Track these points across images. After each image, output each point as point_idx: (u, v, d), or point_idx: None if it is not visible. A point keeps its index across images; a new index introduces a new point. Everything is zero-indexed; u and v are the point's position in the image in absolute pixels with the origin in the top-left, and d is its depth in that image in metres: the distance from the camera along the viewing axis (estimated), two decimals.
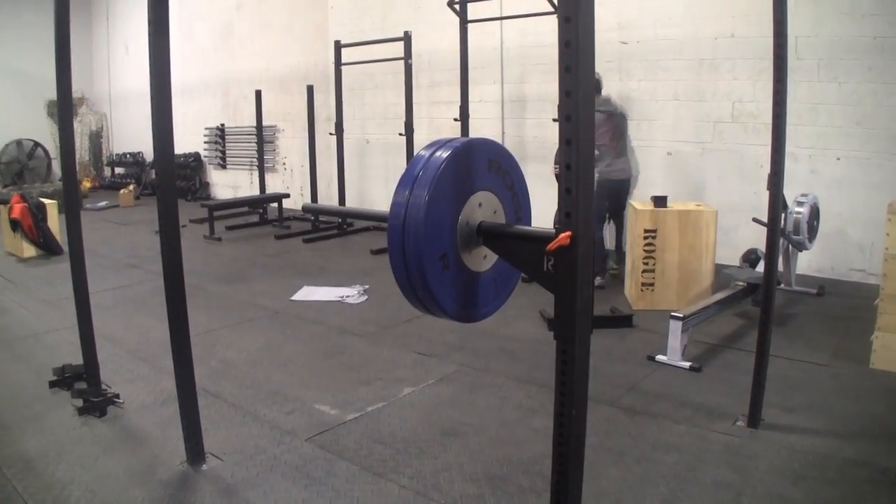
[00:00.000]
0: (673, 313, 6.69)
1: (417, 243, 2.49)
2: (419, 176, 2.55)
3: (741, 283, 8.00)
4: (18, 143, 21.91)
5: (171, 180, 4.82)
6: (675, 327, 6.60)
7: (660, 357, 6.71)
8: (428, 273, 2.53)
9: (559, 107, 2.37)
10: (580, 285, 2.40)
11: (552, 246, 2.37)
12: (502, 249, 2.72)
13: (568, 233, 2.34)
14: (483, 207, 2.75)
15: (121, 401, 6.03)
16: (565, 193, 2.37)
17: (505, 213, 2.87)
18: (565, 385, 2.52)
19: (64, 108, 5.82)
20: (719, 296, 7.66)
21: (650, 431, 5.40)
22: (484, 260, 2.81)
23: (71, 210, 5.94)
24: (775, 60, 5.15)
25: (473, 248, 2.74)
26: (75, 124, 21.96)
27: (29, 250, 12.60)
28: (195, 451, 5.00)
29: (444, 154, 2.59)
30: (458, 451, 5.17)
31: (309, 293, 9.55)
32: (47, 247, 12.57)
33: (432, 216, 2.52)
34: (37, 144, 22.14)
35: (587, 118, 2.35)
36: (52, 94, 5.78)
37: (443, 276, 2.61)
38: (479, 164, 2.74)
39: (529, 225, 3.01)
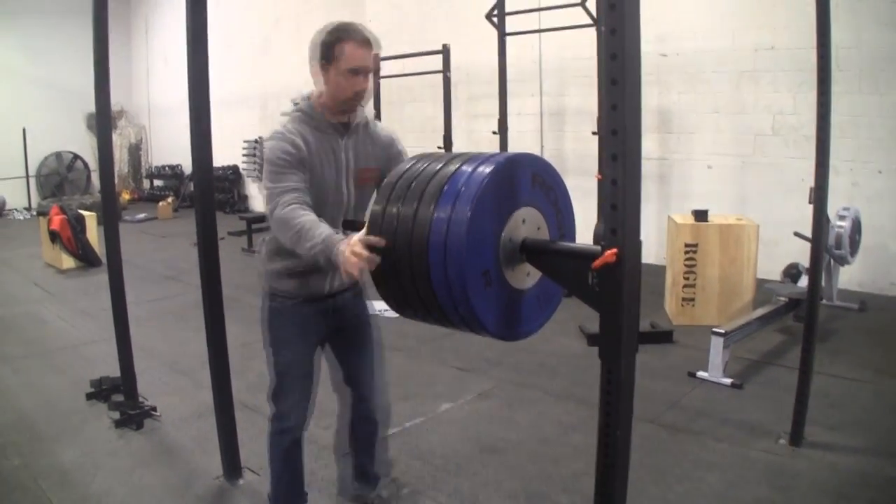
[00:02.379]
0: (714, 329, 6.62)
1: (460, 260, 2.44)
2: (461, 192, 2.50)
3: (783, 298, 7.92)
4: (58, 155, 22.14)
5: (209, 193, 4.83)
6: (717, 343, 6.52)
7: (701, 373, 6.64)
8: (470, 290, 2.48)
9: (604, 120, 2.31)
10: (626, 303, 2.35)
11: (598, 263, 2.32)
12: (546, 266, 2.67)
13: (614, 250, 2.29)
14: (527, 224, 2.70)
15: (158, 413, 6.05)
16: (611, 210, 2.32)
17: (549, 229, 2.81)
18: (610, 405, 2.46)
19: (102, 120, 5.86)
20: (761, 311, 7.58)
21: (691, 449, 5.34)
22: (527, 277, 2.75)
23: (110, 222, 5.96)
24: (819, 72, 5.10)
25: (517, 265, 2.68)
26: (114, 137, 22.10)
27: (68, 262, 12.73)
28: (232, 465, 4.99)
29: (486, 169, 2.54)
30: (496, 467, 5.14)
31: None
32: (86, 258, 12.67)
33: (475, 232, 2.46)
34: (76, 157, 22.36)
35: (633, 132, 2.30)
36: (92, 106, 5.80)
37: (485, 294, 2.55)
38: (523, 179, 2.69)
39: (573, 241, 2.96)
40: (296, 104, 3.88)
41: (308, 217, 3.38)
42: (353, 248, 2.96)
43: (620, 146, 2.28)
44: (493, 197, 2.54)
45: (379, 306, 9.25)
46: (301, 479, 4.28)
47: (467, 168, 2.59)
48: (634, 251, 2.35)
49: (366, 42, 3.64)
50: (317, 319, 4.02)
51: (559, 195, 2.87)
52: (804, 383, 5.33)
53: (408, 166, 2.83)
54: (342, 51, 3.60)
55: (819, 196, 5.15)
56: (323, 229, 3.28)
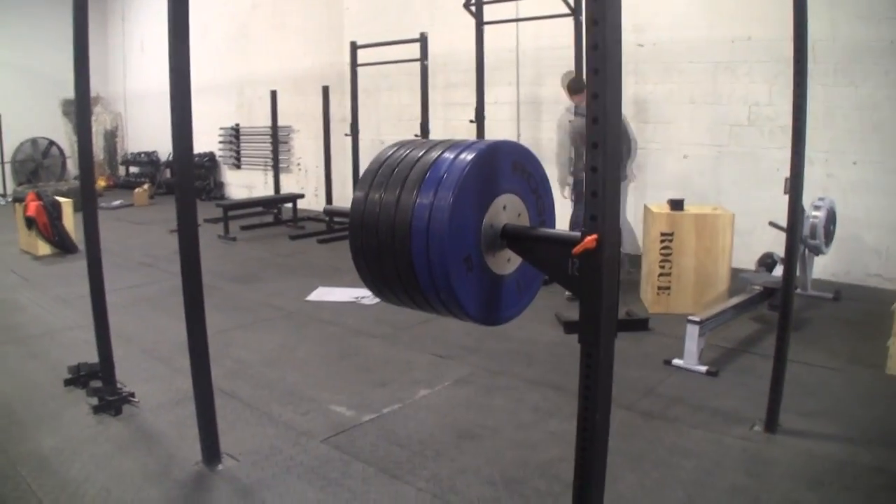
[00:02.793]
0: (690, 317, 6.66)
1: (442, 245, 2.47)
2: (444, 178, 2.53)
3: (758, 287, 7.97)
4: (33, 141, 22.01)
5: (189, 179, 4.81)
6: (692, 331, 6.57)
7: (676, 361, 6.68)
8: (452, 275, 2.51)
9: (587, 109, 2.35)
10: (606, 289, 2.38)
11: (578, 249, 2.35)
12: (526, 252, 2.71)
13: (594, 236, 2.32)
14: (507, 210, 2.73)
15: (136, 400, 6.02)
16: (591, 196, 2.35)
17: (529, 215, 2.85)
18: (589, 389, 2.50)
19: (82, 107, 5.82)
20: (736, 300, 7.64)
21: (667, 436, 5.38)
22: (508, 263, 2.79)
23: (88, 209, 5.93)
24: (795, 64, 5.14)
25: (497, 251, 2.71)
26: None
27: (44, 248, 12.64)
28: (211, 451, 4.99)
29: (468, 156, 2.57)
30: (474, 453, 5.16)
31: (324, 294, 9.54)
32: (62, 245, 12.60)
33: (457, 218, 2.50)
34: (52, 143, 22.25)
35: (614, 121, 2.33)
36: (67, 92, 5.80)
37: (467, 279, 2.59)
38: (504, 166, 2.72)
39: (553, 228, 3.00)
40: None
41: None
42: None
43: (601, 134, 2.31)
44: (475, 183, 2.57)
45: (356, 294, 9.33)
46: None
47: (449, 155, 2.62)
48: (614, 238, 2.39)
49: None
50: None
51: (539, 182, 2.90)
52: (779, 371, 5.36)
53: (390, 153, 2.85)
54: None
55: (794, 186, 5.19)
56: None
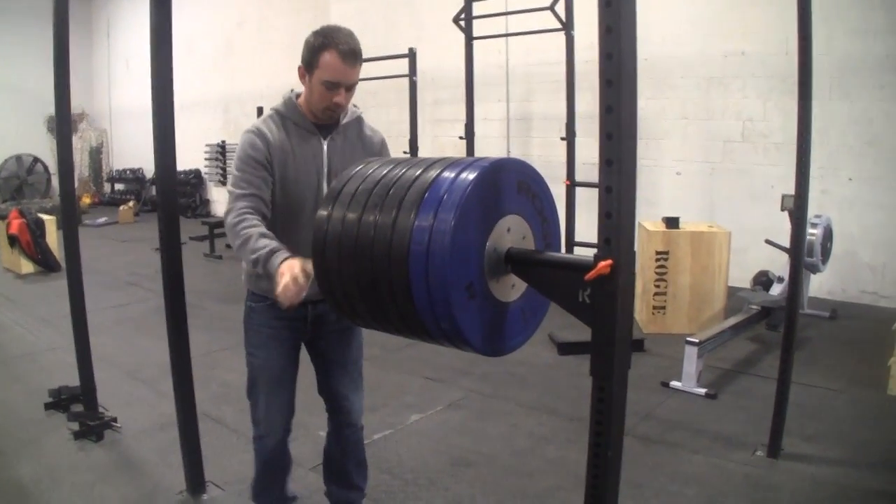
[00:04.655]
0: (689, 339, 6.53)
1: (443, 271, 2.29)
2: (444, 199, 2.35)
3: (755, 307, 7.84)
4: (18, 158, 21.85)
5: (172, 196, 4.67)
6: (691, 353, 6.44)
7: (674, 383, 6.54)
8: (453, 303, 2.33)
9: (600, 124, 2.18)
10: (620, 319, 2.22)
11: (591, 275, 2.18)
12: (533, 278, 2.52)
13: (609, 261, 2.15)
14: (512, 233, 2.54)
15: (118, 425, 5.88)
16: (605, 218, 2.19)
17: (535, 238, 2.67)
18: (601, 425, 2.34)
19: (62, 125, 5.70)
20: (734, 320, 7.51)
21: (668, 462, 5.24)
22: (512, 289, 2.60)
23: (69, 226, 5.81)
24: (800, 80, 5.01)
25: (501, 277, 2.53)
26: (75, 140, 21.93)
27: (27, 266, 12.53)
28: (195, 479, 4.85)
29: (470, 175, 2.39)
30: (469, 482, 5.02)
31: None
32: (46, 263, 12.47)
33: (459, 242, 2.31)
34: (36, 160, 22.08)
35: (629, 136, 2.17)
36: (52, 109, 5.65)
37: (469, 307, 2.40)
38: (508, 186, 2.54)
39: (559, 251, 2.82)
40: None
41: (256, 228, 3.36)
42: (293, 273, 3.04)
43: (616, 151, 2.15)
44: (478, 205, 2.39)
45: None
46: (282, 486, 4.22)
47: (449, 174, 2.44)
48: (629, 263, 2.22)
49: (350, 54, 3.47)
50: (293, 325, 3.86)
51: (545, 203, 2.72)
52: (782, 395, 5.26)
53: (385, 171, 2.67)
54: (324, 61, 3.45)
55: (799, 206, 5.06)
56: (268, 242, 3.28)
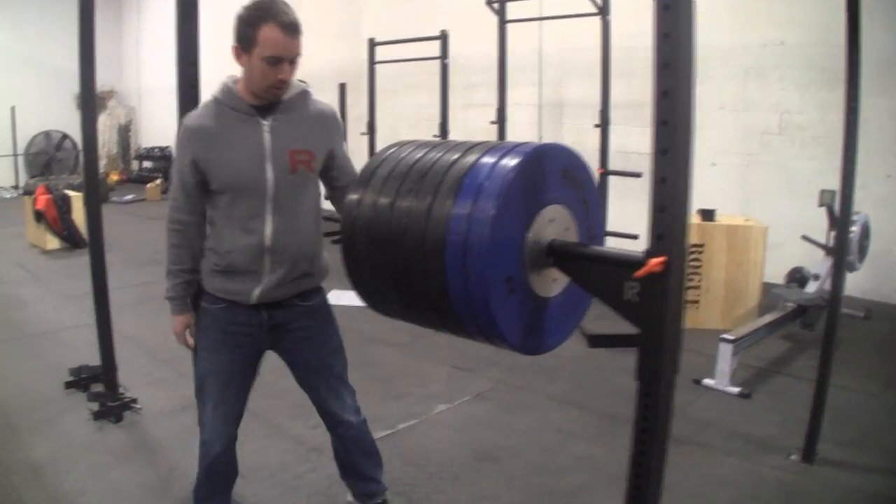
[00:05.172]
0: (724, 336, 6.36)
1: (482, 264, 2.13)
2: (484, 186, 2.19)
3: (791, 304, 7.66)
4: (47, 134, 21.89)
5: None
6: (726, 350, 6.27)
7: (707, 381, 6.38)
8: (492, 298, 2.18)
9: (654, 109, 2.03)
10: (670, 320, 2.07)
11: (642, 272, 2.03)
12: (577, 273, 2.36)
13: (662, 258, 2.00)
14: (554, 223, 2.38)
15: (138, 406, 5.81)
16: (658, 211, 2.04)
17: (578, 230, 2.51)
18: (646, 433, 2.19)
19: (87, 100, 5.66)
20: (769, 317, 7.32)
21: (701, 464, 5.09)
22: (553, 284, 2.45)
23: (91, 202, 5.73)
24: (848, 73, 4.86)
25: (542, 270, 2.37)
26: (104, 117, 22.00)
27: (52, 242, 12.53)
28: None
29: (512, 161, 2.24)
30: (495, 478, 4.88)
31: (337, 297, 9.20)
32: (71, 239, 12.45)
33: (499, 233, 2.16)
34: (65, 136, 22.08)
35: (685, 123, 2.02)
36: None
37: (508, 302, 2.25)
38: (552, 173, 2.38)
39: (602, 243, 2.66)
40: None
41: (176, 255, 3.59)
42: (181, 329, 3.52)
43: (671, 139, 2.00)
44: (520, 193, 2.23)
45: None
46: (226, 495, 3.99)
47: (489, 159, 2.28)
48: (682, 260, 2.07)
49: (291, 26, 3.24)
50: (249, 331, 3.64)
51: (589, 193, 2.56)
52: (820, 398, 5.10)
53: (419, 154, 2.51)
54: (263, 36, 3.22)
55: (845, 204, 4.89)
56: (172, 281, 3.59)
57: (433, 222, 2.25)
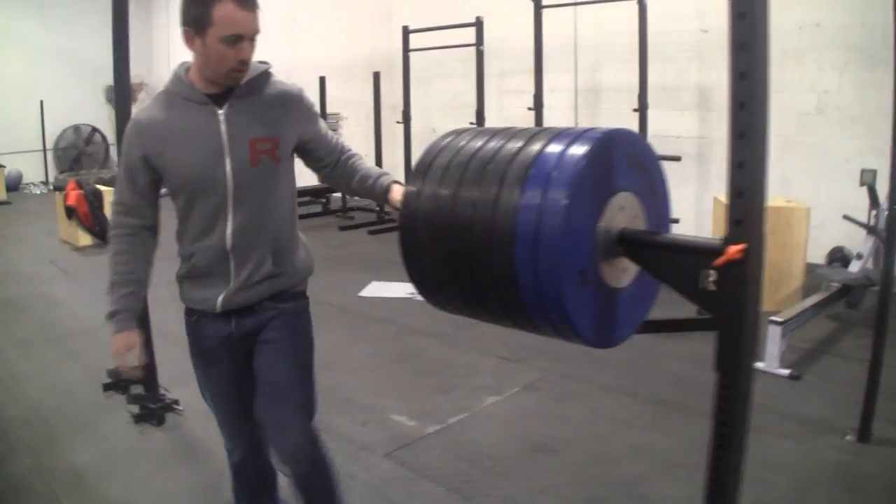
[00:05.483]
0: (772, 318, 6.28)
1: (554, 256, 2.06)
2: (553, 175, 2.12)
3: (836, 284, 7.58)
4: (76, 128, 21.89)
5: None
6: (775, 332, 6.20)
7: (756, 364, 6.29)
8: (566, 291, 2.10)
9: (730, 92, 1.96)
10: (750, 310, 2.00)
11: (721, 261, 1.96)
12: (649, 262, 2.29)
13: (741, 246, 1.94)
14: (624, 212, 2.31)
15: (180, 408, 5.74)
16: (737, 197, 1.97)
17: (647, 217, 2.44)
18: (725, 426, 2.12)
19: (121, 95, 5.57)
20: (815, 298, 7.25)
21: (757, 448, 4.97)
22: (623, 274, 2.38)
23: None
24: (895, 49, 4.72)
25: (613, 260, 2.31)
26: (135, 110, 21.97)
27: (84, 238, 12.55)
28: None
29: (580, 149, 2.17)
30: (551, 470, 4.81)
31: (378, 289, 9.21)
32: (103, 235, 12.39)
33: (572, 224, 2.09)
34: (94, 130, 22.08)
35: (762, 106, 1.95)
36: (111, 78, 5.54)
37: (581, 295, 2.18)
38: (620, 160, 2.30)
39: (668, 231, 2.58)
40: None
41: (120, 265, 3.34)
42: (123, 350, 3.16)
43: (749, 122, 1.93)
44: (590, 181, 2.17)
45: (411, 289, 8.99)
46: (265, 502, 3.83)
47: (556, 147, 2.21)
48: (761, 248, 2.00)
49: (248, 1, 2.98)
50: (219, 344, 3.39)
51: (656, 178, 2.49)
52: (874, 378, 5.05)
53: (479, 143, 2.44)
54: (219, 14, 2.92)
55: (894, 182, 4.81)
56: (117, 293, 3.30)
57: (500, 213, 2.18)
